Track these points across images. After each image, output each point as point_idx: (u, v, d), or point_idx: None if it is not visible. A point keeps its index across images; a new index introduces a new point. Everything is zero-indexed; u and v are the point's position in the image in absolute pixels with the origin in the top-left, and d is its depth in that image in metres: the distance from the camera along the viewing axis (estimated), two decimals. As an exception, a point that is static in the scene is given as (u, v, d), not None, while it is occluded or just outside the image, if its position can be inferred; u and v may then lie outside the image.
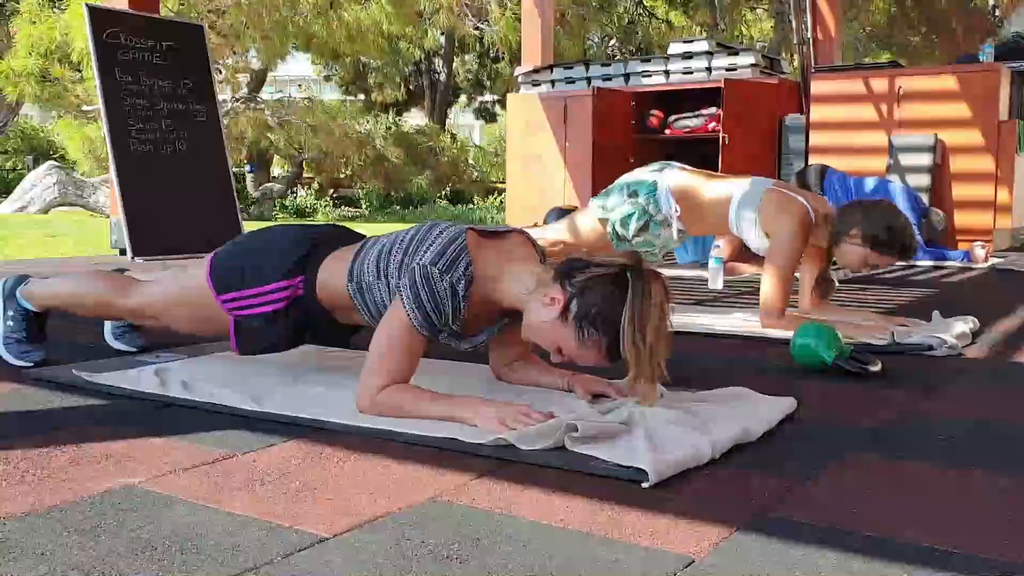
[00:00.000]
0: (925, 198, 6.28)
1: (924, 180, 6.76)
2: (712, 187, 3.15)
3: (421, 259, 1.82)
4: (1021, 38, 8.29)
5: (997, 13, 10.94)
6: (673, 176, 3.16)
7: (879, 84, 7.31)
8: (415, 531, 1.25)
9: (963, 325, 2.95)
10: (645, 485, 1.43)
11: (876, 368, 2.32)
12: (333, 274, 2.00)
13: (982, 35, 10.35)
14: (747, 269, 4.76)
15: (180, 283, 2.17)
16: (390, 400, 1.79)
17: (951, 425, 1.87)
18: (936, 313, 3.23)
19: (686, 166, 3.28)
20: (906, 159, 6.96)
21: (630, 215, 3.18)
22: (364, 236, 2.15)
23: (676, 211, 3.12)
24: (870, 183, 6.06)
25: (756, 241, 3.07)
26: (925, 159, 6.88)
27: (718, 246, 4.52)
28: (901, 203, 5.88)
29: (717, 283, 4.23)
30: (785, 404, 1.91)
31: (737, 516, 1.32)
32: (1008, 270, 5.57)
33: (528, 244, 1.97)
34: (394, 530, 1.26)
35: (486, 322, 1.97)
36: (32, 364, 2.27)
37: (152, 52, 6.18)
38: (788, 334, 2.60)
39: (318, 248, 2.04)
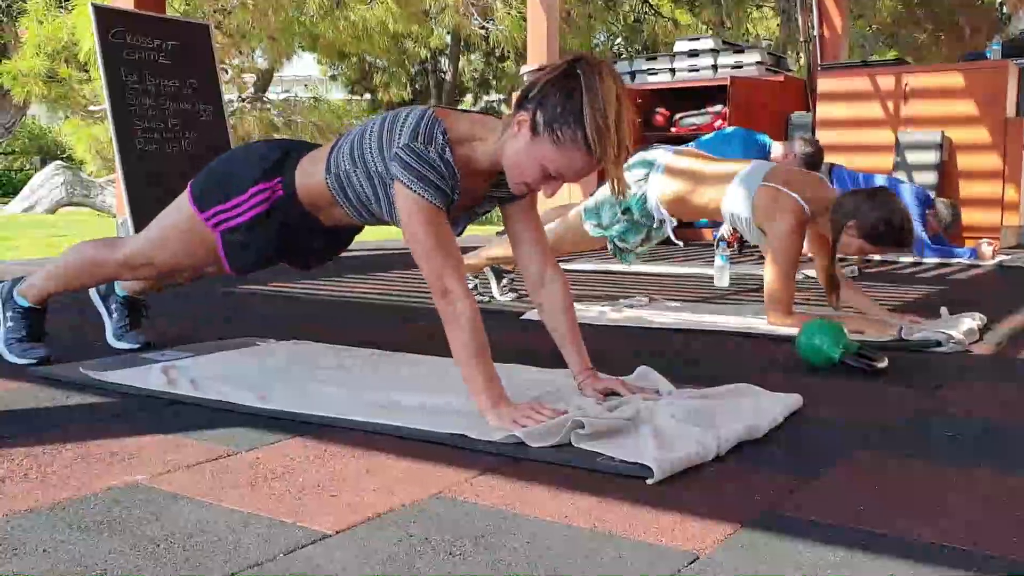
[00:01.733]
0: (932, 195, 6.25)
1: (931, 177, 6.73)
2: (702, 189, 3.09)
3: (399, 141, 1.82)
4: (1029, 35, 8.25)
5: (1004, 10, 10.90)
6: (659, 184, 3.11)
7: (885, 81, 7.29)
8: (419, 527, 1.25)
9: (971, 322, 2.94)
10: (650, 482, 1.43)
11: (883, 365, 2.31)
12: (311, 171, 2.02)
13: (989, 32, 10.30)
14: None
15: (162, 221, 2.20)
16: (457, 318, 1.75)
17: (958, 422, 1.86)
18: (944, 310, 3.22)
19: (671, 157, 3.18)
20: (913, 156, 6.93)
21: (627, 231, 3.19)
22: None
23: (672, 223, 3.14)
24: (879, 180, 6.04)
25: (752, 237, 3.06)
26: (932, 156, 6.85)
27: (723, 243, 4.51)
28: (908, 199, 5.86)
29: (723, 281, 4.22)
30: (791, 401, 1.90)
31: (743, 513, 1.31)
32: (1015, 267, 5.55)
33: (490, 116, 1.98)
34: (398, 527, 1.25)
35: (470, 199, 1.97)
36: (35, 361, 2.28)
37: (158, 52, 6.19)
38: (794, 331, 2.59)
39: (290, 153, 2.08)
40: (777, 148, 5.14)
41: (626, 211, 3.16)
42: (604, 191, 3.21)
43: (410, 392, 1.94)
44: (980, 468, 1.54)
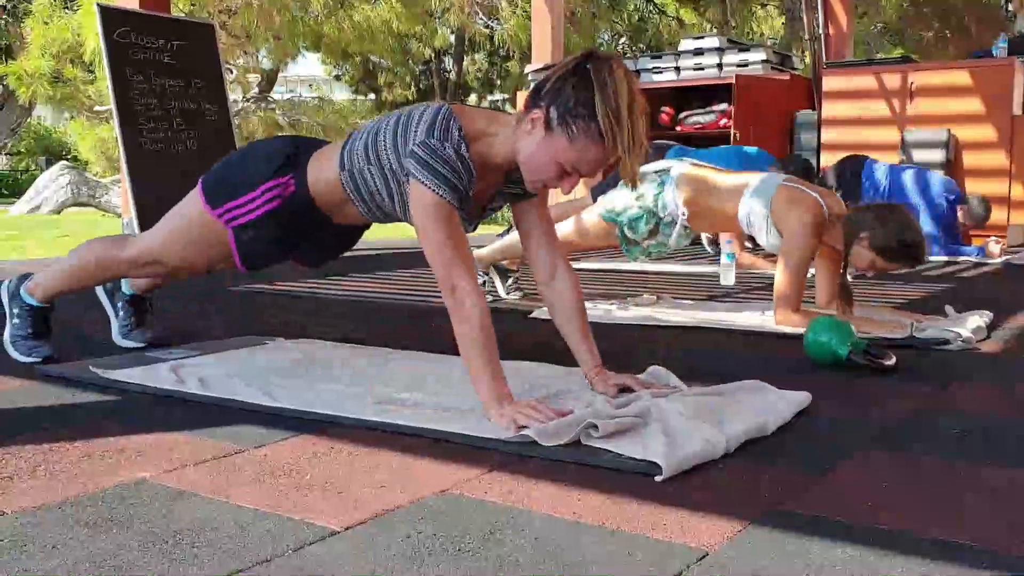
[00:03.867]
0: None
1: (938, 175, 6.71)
2: (720, 189, 3.11)
3: (416, 138, 1.82)
4: (1035, 33, 8.23)
5: (1010, 8, 10.86)
6: (679, 177, 3.13)
7: (891, 80, 7.27)
8: (426, 525, 1.25)
9: (978, 319, 2.93)
10: (659, 479, 1.42)
11: (890, 362, 2.31)
12: (323, 167, 2.02)
13: (995, 30, 10.28)
14: (763, 266, 4.74)
15: (171, 218, 2.19)
16: (469, 318, 1.75)
17: (966, 420, 1.85)
18: (950, 308, 3.21)
19: (692, 161, 3.24)
20: (919, 155, 6.92)
21: (638, 218, 3.16)
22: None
23: (684, 214, 3.11)
24: (908, 173, 6.01)
25: (768, 239, 3.05)
26: (938, 155, 6.84)
27: (729, 242, 4.51)
28: (937, 191, 5.83)
29: (729, 279, 4.21)
30: (800, 398, 1.90)
31: (751, 510, 1.31)
32: (1022, 265, 5.53)
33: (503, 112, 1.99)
34: (405, 524, 1.25)
35: (484, 196, 1.97)
36: (40, 359, 2.28)
37: (163, 52, 6.20)
38: (801, 329, 2.58)
39: (302, 149, 2.07)
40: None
41: (640, 196, 3.16)
42: (623, 193, 3.22)
43: (418, 390, 1.94)
44: (989, 465, 1.54)
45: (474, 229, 2.05)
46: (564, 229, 3.38)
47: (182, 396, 1.96)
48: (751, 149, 4.39)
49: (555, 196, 4.28)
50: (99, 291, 2.56)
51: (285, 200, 2.04)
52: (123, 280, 2.52)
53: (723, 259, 4.27)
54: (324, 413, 1.79)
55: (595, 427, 1.57)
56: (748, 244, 5.06)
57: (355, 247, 2.41)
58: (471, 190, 1.84)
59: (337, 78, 23.14)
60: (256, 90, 16.05)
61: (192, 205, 2.14)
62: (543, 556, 1.14)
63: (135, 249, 2.21)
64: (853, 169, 6.09)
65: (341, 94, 22.75)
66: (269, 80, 17.27)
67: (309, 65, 22.86)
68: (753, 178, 3.09)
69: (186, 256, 2.18)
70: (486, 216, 2.06)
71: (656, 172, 3.19)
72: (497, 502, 1.34)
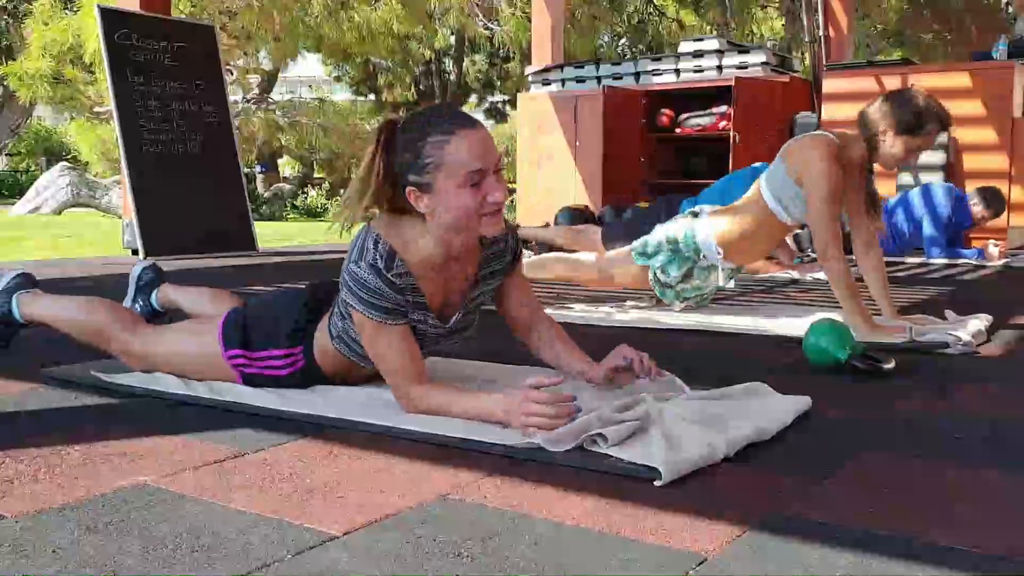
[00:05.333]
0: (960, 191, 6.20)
1: (937, 178, 6.72)
2: (744, 206, 3.09)
3: (344, 269, 1.82)
4: (1035, 35, 8.23)
5: (1010, 10, 10.87)
6: (708, 220, 3.12)
7: (891, 82, 7.27)
8: (426, 529, 1.25)
9: (978, 323, 2.93)
10: (659, 483, 1.43)
11: (890, 366, 2.31)
12: (322, 339, 1.98)
13: (995, 32, 10.29)
14: (765, 268, 4.74)
15: (184, 339, 2.10)
16: (422, 406, 1.78)
17: (967, 423, 1.85)
18: (950, 311, 3.21)
19: (714, 206, 3.22)
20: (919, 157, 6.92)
21: (670, 262, 3.18)
22: None
23: (719, 252, 3.09)
24: (915, 191, 6.01)
25: (791, 205, 2.97)
26: (938, 157, 6.84)
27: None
28: (941, 200, 5.82)
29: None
30: (800, 402, 1.90)
31: (751, 514, 1.31)
32: (1022, 268, 5.54)
33: None
34: (405, 528, 1.25)
35: (461, 291, 1.91)
36: None
37: (163, 53, 6.20)
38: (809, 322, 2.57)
39: (317, 315, 2.00)
40: None
41: (674, 247, 3.16)
42: (656, 235, 3.22)
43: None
44: (988, 469, 1.54)
45: (457, 330, 1.95)
46: (593, 268, 3.37)
47: (183, 400, 1.96)
48: (756, 166, 4.39)
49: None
50: (132, 277, 2.54)
51: (296, 369, 1.99)
52: (156, 291, 2.51)
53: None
54: (329, 417, 1.79)
55: (603, 437, 1.57)
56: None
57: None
58: (407, 299, 1.80)
59: (337, 79, 23.14)
60: (256, 91, 16.06)
61: (209, 339, 2.04)
62: (543, 560, 1.14)
63: (137, 344, 2.11)
64: None
65: (341, 95, 22.77)
66: (269, 81, 17.28)
67: (309, 66, 22.83)
68: (759, 181, 3.09)
69: (184, 371, 2.07)
70: (473, 307, 1.97)
71: (685, 221, 3.19)
72: (497, 506, 1.34)
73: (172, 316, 2.50)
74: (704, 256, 3.11)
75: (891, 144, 2.86)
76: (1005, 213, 6.70)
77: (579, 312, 3.32)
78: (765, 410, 1.80)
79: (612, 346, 1.97)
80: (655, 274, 3.21)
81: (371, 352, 1.83)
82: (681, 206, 4.40)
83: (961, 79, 6.99)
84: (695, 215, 3.19)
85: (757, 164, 4.21)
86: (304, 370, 1.99)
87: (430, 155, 1.71)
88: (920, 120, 2.83)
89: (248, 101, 15.30)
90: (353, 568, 1.12)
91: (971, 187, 6.07)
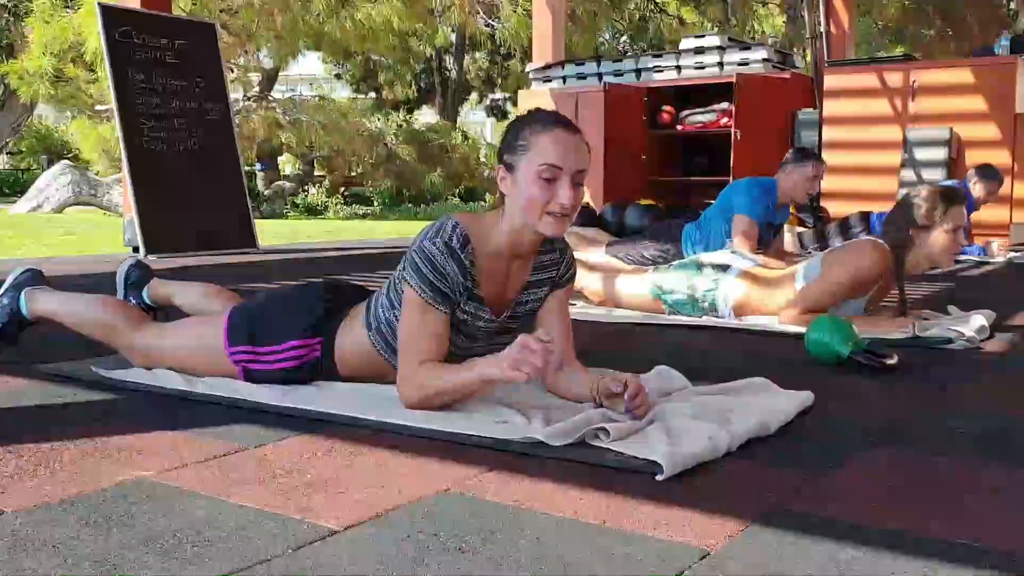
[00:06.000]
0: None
1: (939, 174, 6.71)
2: (771, 283, 3.07)
3: (412, 247, 1.83)
4: (1037, 31, 8.21)
5: (1012, 6, 10.85)
6: (734, 287, 3.08)
7: (893, 78, 7.26)
8: (427, 524, 1.24)
9: (981, 319, 2.92)
10: (660, 477, 1.42)
11: (892, 361, 2.30)
12: (352, 332, 1.96)
13: (997, 28, 10.27)
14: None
15: (188, 334, 2.09)
16: (427, 388, 1.76)
17: (970, 419, 1.85)
18: (953, 307, 3.21)
19: (746, 264, 3.16)
20: (921, 153, 6.91)
21: (684, 304, 3.17)
22: (372, 293, 2.10)
23: (730, 314, 3.09)
24: None
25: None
26: (940, 153, 6.83)
27: (730, 239, 4.49)
28: None
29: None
30: (802, 398, 1.89)
31: (753, 509, 1.30)
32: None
33: None
34: (405, 523, 1.25)
35: (515, 291, 1.90)
36: None
37: (164, 51, 6.20)
38: (803, 328, 2.57)
39: (336, 310, 1.99)
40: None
41: (691, 289, 3.14)
42: (677, 275, 3.19)
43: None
44: (991, 464, 1.53)
45: (508, 328, 1.93)
46: (605, 286, 3.35)
47: (183, 396, 1.95)
48: (747, 180, 4.35)
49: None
50: (120, 277, 2.53)
51: (306, 362, 1.98)
52: (146, 287, 2.51)
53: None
54: (326, 412, 1.78)
55: (606, 432, 1.57)
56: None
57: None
58: (466, 284, 1.80)
59: (338, 77, 23.14)
60: (257, 89, 16.06)
61: (212, 333, 2.03)
62: (544, 555, 1.14)
63: (140, 340, 2.12)
64: (858, 224, 6.05)
65: (342, 93, 22.76)
66: (270, 79, 17.28)
67: (310, 64, 22.84)
68: (798, 267, 3.06)
69: (184, 366, 2.07)
70: (522, 311, 1.94)
71: (714, 267, 3.16)
72: (498, 501, 1.33)
73: (168, 312, 2.50)
74: (715, 310, 3.11)
75: (923, 241, 2.86)
76: (1008, 211, 6.70)
77: (580, 308, 3.32)
78: (767, 405, 1.80)
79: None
80: (668, 304, 3.20)
81: (403, 329, 1.81)
82: (684, 232, 4.38)
83: (963, 75, 6.98)
84: (723, 268, 3.13)
85: (764, 179, 4.18)
86: (316, 363, 1.98)
87: (524, 138, 1.77)
88: (945, 202, 2.84)
89: (249, 99, 15.30)
90: (353, 563, 1.11)
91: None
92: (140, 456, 1.54)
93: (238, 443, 1.62)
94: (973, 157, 6.81)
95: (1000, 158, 6.74)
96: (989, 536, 1.21)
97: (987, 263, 5.58)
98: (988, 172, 5.76)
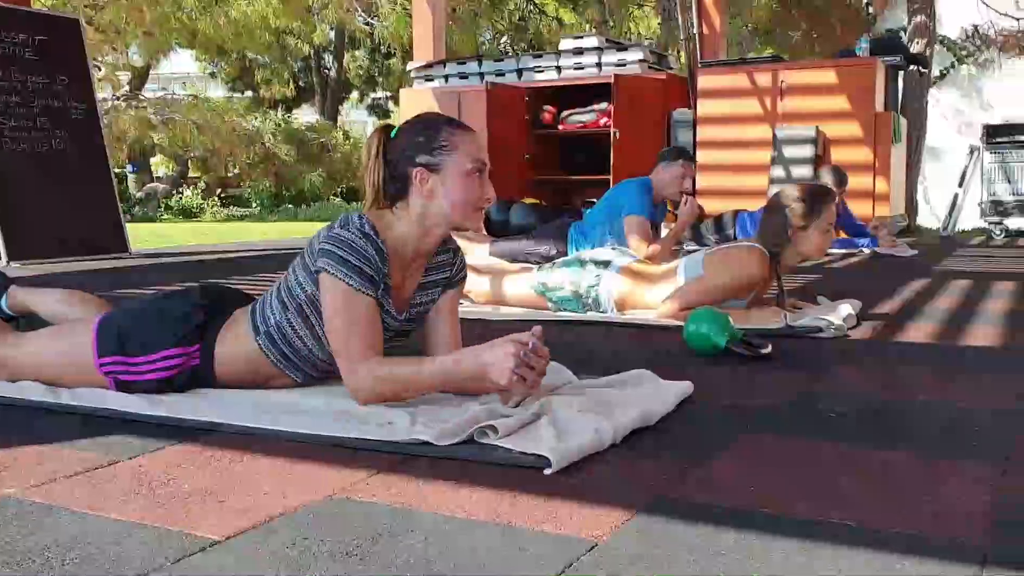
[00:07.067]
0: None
1: (807, 171, 6.99)
2: (654, 277, 3.12)
3: (320, 239, 1.80)
4: (893, 34, 8.67)
5: (871, 10, 11.41)
6: (617, 276, 3.13)
7: (763, 78, 7.53)
8: (313, 530, 1.22)
9: (848, 307, 3.06)
10: (547, 472, 1.43)
11: (767, 351, 2.38)
12: (235, 339, 1.89)
13: (858, 30, 10.77)
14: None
15: (55, 346, 1.97)
16: (385, 384, 1.73)
17: (840, 403, 1.93)
18: (822, 297, 3.34)
19: (627, 260, 3.22)
20: (789, 151, 7.19)
21: (568, 300, 3.20)
22: (253, 297, 2.05)
23: (612, 309, 3.13)
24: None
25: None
26: (807, 151, 7.12)
27: (612, 239, 4.57)
28: None
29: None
30: (682, 388, 1.94)
31: (639, 499, 1.33)
32: (886, 256, 5.82)
33: None
34: (291, 530, 1.22)
35: (411, 291, 1.91)
36: None
37: (24, 47, 5.89)
38: (681, 322, 2.64)
39: (214, 316, 1.92)
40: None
41: (575, 285, 3.17)
42: (561, 273, 3.22)
43: (311, 395, 1.88)
44: (861, 446, 1.60)
45: (405, 330, 1.94)
46: (492, 287, 3.35)
47: (50, 408, 1.85)
48: (630, 180, 4.45)
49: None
50: None
51: (183, 371, 1.89)
52: (4, 296, 2.36)
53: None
54: (204, 420, 1.72)
55: (494, 429, 1.57)
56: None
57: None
58: (385, 275, 1.79)
59: (213, 75, 22.50)
60: (127, 87, 15.47)
61: (79, 343, 1.92)
62: (433, 556, 1.13)
63: (1, 352, 2.00)
64: (729, 222, 6.23)
65: (217, 92, 22.14)
66: (140, 77, 16.68)
67: (183, 62, 22.12)
68: (679, 263, 3.13)
69: (50, 377, 1.95)
70: (415, 313, 1.94)
71: (596, 263, 3.20)
72: (386, 504, 1.32)
73: (32, 321, 2.37)
74: (599, 305, 3.15)
75: (799, 239, 2.95)
76: (871, 205, 7.04)
77: (467, 307, 3.32)
78: (650, 396, 1.83)
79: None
80: (551, 300, 3.22)
81: (333, 323, 1.75)
82: (570, 232, 4.44)
83: (828, 75, 7.29)
84: (606, 265, 3.18)
85: (644, 179, 4.29)
86: (193, 371, 1.91)
87: (446, 139, 1.82)
88: (814, 199, 2.96)
89: (118, 98, 14.72)
90: (238, 573, 1.08)
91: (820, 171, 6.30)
92: (4, 473, 1.46)
93: (110, 455, 1.55)
94: (838, 154, 7.13)
95: (862, 155, 7.08)
96: (861, 515, 1.26)
97: (853, 255, 5.85)
98: (837, 173, 6.07)
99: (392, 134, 1.88)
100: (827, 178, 5.96)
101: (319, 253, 1.78)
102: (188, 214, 15.46)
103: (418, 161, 1.82)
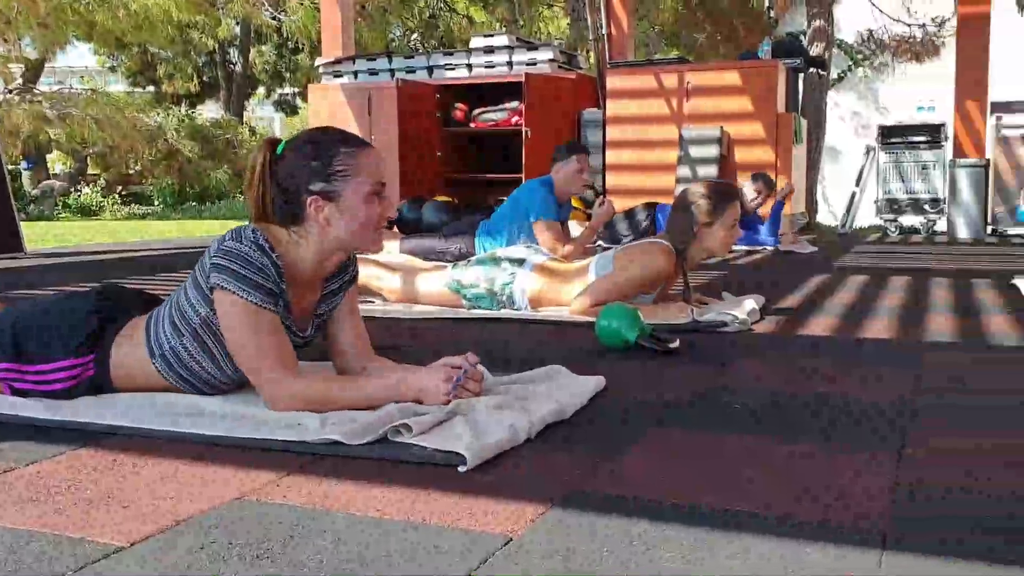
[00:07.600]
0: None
1: (712, 171, 7.15)
2: (567, 276, 3.15)
3: (211, 253, 1.72)
4: (794, 37, 8.93)
5: (772, 13, 11.73)
6: (529, 279, 3.14)
7: (669, 80, 7.66)
8: (221, 533, 1.19)
9: (752, 302, 3.14)
10: (462, 469, 1.43)
11: (675, 345, 2.43)
12: (132, 352, 1.81)
13: (760, 34, 11.06)
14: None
15: None
16: (304, 396, 1.69)
17: (744, 396, 1.98)
18: (727, 293, 3.42)
19: (541, 258, 3.23)
20: (695, 151, 7.34)
21: (482, 297, 3.20)
22: (156, 297, 1.98)
23: (526, 307, 3.14)
24: None
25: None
26: (712, 151, 7.28)
27: (524, 238, 4.60)
28: None
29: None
30: (595, 382, 1.96)
31: (552, 493, 1.34)
32: (789, 252, 5.99)
33: None
34: (198, 533, 1.19)
35: (313, 303, 1.87)
36: None
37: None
38: (593, 318, 2.67)
39: (111, 321, 1.84)
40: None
41: (490, 282, 3.17)
42: (476, 270, 3.21)
43: (215, 398, 1.84)
44: (766, 438, 1.65)
45: (308, 342, 1.90)
46: (405, 285, 3.33)
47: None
48: (533, 181, 4.52)
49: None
50: None
51: (80, 382, 1.81)
52: None
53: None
54: (106, 424, 1.67)
55: (408, 427, 1.56)
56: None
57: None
58: (279, 286, 1.73)
59: (112, 69, 21.79)
60: (20, 81, 14.86)
61: None
62: (346, 556, 1.12)
63: None
64: (644, 216, 6.32)
65: (117, 86, 21.46)
66: (35, 70, 16.05)
67: (81, 56, 21.38)
68: (591, 260, 3.16)
69: None
70: (319, 322, 1.91)
71: (511, 261, 3.20)
72: (297, 505, 1.30)
73: None
74: (513, 303, 3.16)
75: (705, 235, 3.02)
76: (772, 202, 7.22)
77: (379, 305, 3.29)
78: (563, 391, 1.85)
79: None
80: (466, 298, 3.22)
81: (239, 342, 1.69)
82: (478, 229, 4.47)
83: (732, 77, 7.47)
84: (520, 262, 3.19)
85: (546, 178, 4.36)
86: (92, 381, 1.82)
87: (342, 163, 1.72)
88: (719, 197, 3.02)
89: (11, 92, 14.12)
90: (141, 580, 1.05)
91: (743, 177, 6.47)
92: None
93: (5, 462, 1.49)
94: (742, 154, 7.31)
95: (765, 155, 7.28)
96: (766, 505, 1.30)
97: (756, 251, 6.00)
98: (765, 179, 6.23)
99: (279, 150, 1.79)
100: (755, 184, 6.12)
101: (211, 268, 1.70)
102: (87, 212, 14.94)
103: (312, 189, 1.73)
